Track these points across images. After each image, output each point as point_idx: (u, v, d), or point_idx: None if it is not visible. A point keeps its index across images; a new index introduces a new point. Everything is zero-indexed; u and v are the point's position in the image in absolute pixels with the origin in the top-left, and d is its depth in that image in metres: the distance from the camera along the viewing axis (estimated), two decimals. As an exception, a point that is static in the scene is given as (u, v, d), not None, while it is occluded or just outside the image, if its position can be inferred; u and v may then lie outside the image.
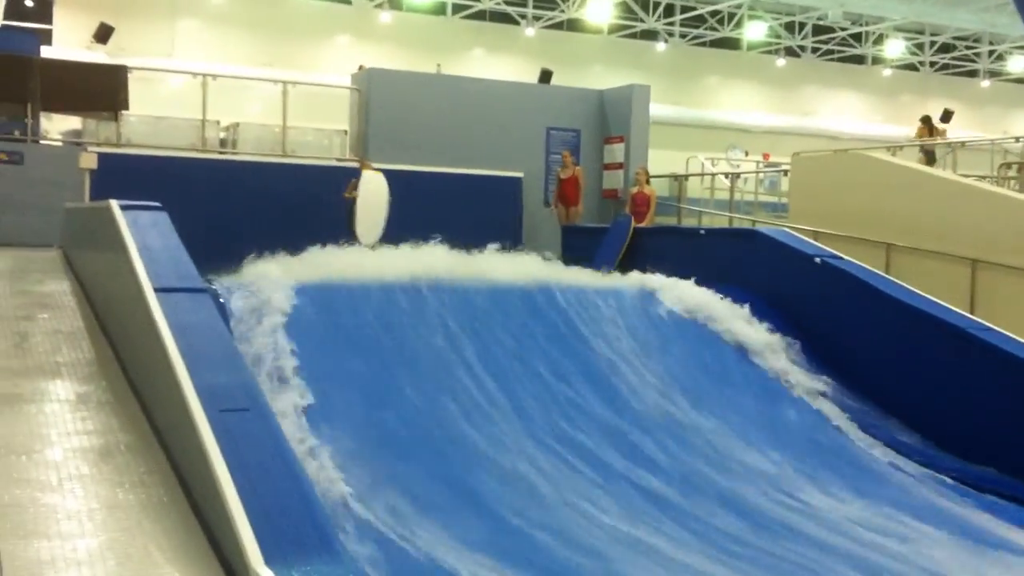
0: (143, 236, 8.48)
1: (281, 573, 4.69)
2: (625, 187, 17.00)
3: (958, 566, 6.78)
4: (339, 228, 11.35)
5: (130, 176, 12.45)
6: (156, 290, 7.47)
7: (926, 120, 18.32)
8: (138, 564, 5.15)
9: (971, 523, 7.75)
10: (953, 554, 7.02)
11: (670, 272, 11.85)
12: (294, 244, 10.46)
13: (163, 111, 15.67)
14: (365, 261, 10.16)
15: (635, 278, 11.68)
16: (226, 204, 13.14)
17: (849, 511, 7.76)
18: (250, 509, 5.17)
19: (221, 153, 14.98)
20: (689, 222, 16.81)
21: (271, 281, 9.13)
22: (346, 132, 16.07)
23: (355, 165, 14.77)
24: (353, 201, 13.76)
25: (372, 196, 13.94)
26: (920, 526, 7.58)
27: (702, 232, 14.03)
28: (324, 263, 10.08)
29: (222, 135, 15.52)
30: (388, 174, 14.49)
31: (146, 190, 9.45)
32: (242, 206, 13.22)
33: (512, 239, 13.68)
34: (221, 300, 8.66)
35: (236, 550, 5.05)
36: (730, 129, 30.66)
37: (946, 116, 32.31)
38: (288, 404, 7.59)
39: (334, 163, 15.24)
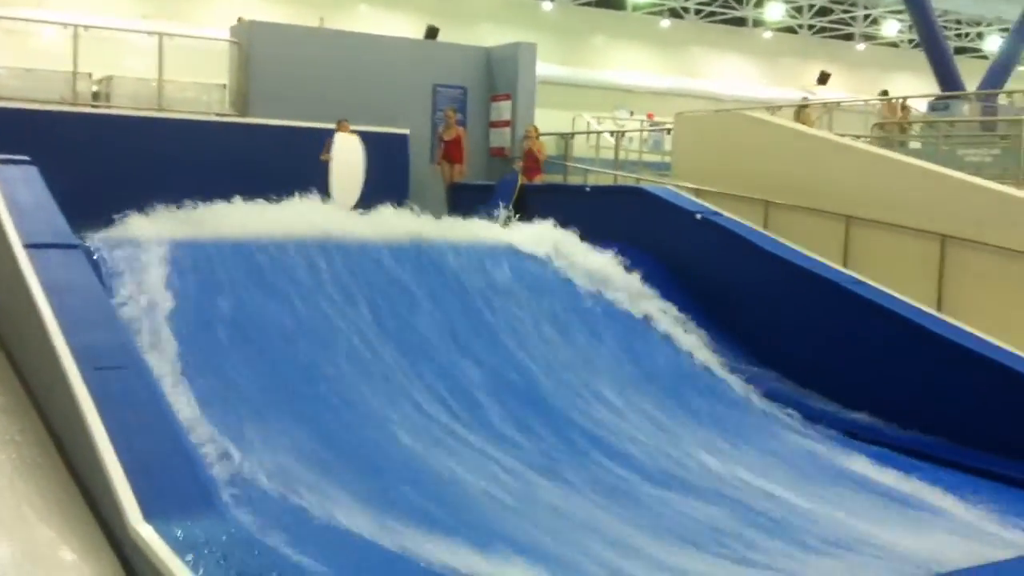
0: (12, 191, 8.18)
1: (161, 529, 4.63)
2: (512, 145, 17.03)
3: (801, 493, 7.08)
4: (217, 184, 11.06)
5: (-2, 129, 11.95)
6: (26, 246, 7.23)
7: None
8: (10, 524, 5.02)
9: (832, 462, 8.08)
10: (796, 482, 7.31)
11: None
12: (171, 200, 10.19)
13: (34, 64, 15.04)
14: (243, 218, 9.95)
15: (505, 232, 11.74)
16: (100, 160, 12.70)
17: (712, 458, 7.98)
18: (128, 466, 5.09)
19: (94, 107, 14.47)
20: (575, 180, 16.92)
21: (146, 238, 8.91)
22: (225, 87, 15.67)
23: (234, 119, 14.48)
24: (327, 164, 13.63)
25: (346, 158, 13.79)
26: (776, 466, 7.88)
27: (587, 190, 14.17)
28: (202, 220, 9.85)
29: (95, 88, 14.97)
30: (269, 130, 14.22)
31: (15, 145, 9.08)
32: (117, 162, 12.79)
33: (398, 196, 13.58)
34: (94, 256, 8.42)
35: (114, 507, 4.96)
36: (616, 89, 30.88)
37: (823, 78, 33.20)
38: (166, 361, 7.44)
39: (213, 118, 14.84)
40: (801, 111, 15.39)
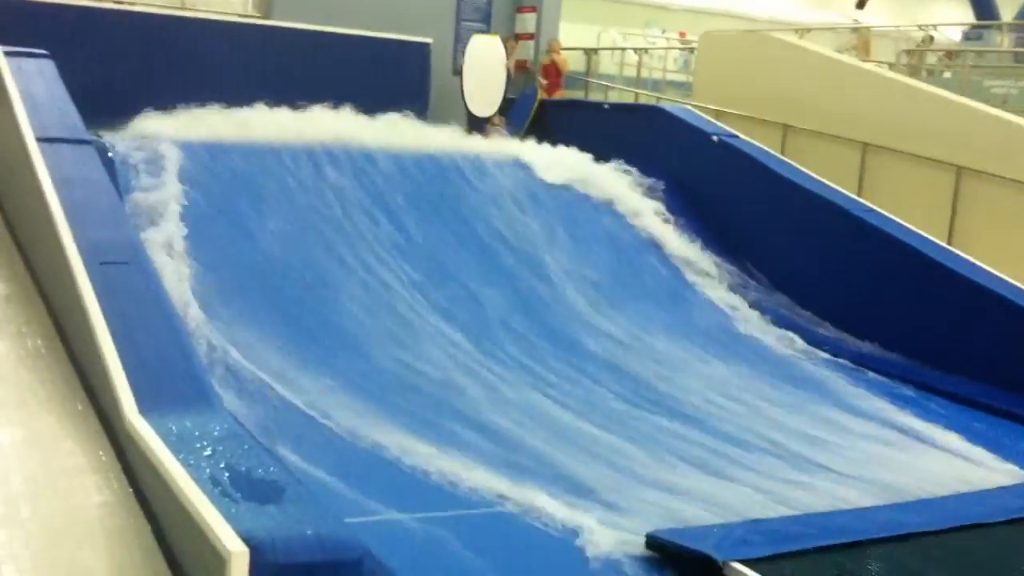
0: (27, 84, 8.23)
1: (155, 423, 4.74)
2: (536, 58, 16.83)
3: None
4: (238, 87, 11.07)
5: (17, 24, 11.93)
6: (39, 140, 7.30)
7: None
8: (12, 411, 5.17)
9: (834, 390, 8.16)
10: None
11: (575, 145, 11.94)
12: (189, 101, 10.23)
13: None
14: (261, 122, 9.98)
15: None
16: (119, 58, 12.66)
17: (714, 372, 8.07)
18: (126, 360, 5.20)
19: (116, 3, 14.40)
20: (596, 97, 16.76)
21: (161, 137, 8.97)
22: (249, -13, 15.55)
23: (257, 21, 14.39)
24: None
25: (478, 62, 13.62)
26: (776, 390, 7.97)
27: (606, 107, 14.05)
28: (218, 123, 9.91)
29: (117, -15, 14.86)
30: (292, 34, 14.11)
31: (35, 39, 9.12)
32: (136, 60, 12.75)
33: (419, 107, 13.54)
34: (108, 153, 8.49)
35: (111, 400, 5.10)
36: (649, 6, 30.36)
37: (861, 3, 32.44)
38: (173, 259, 7.56)
39: (236, 19, 14.75)
40: (804, 34, 15.10)
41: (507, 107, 14.59)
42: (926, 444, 7.05)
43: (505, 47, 13.75)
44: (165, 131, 9.24)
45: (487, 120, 13.38)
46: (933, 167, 11.13)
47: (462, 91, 13.99)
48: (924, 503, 5.75)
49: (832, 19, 26.55)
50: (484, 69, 13.63)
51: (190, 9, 14.36)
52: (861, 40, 15.00)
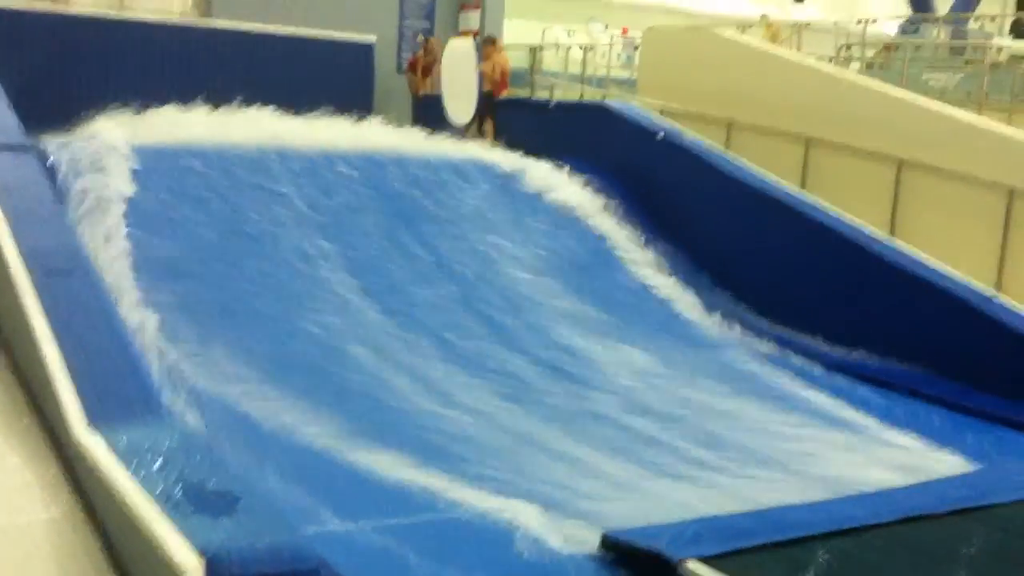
0: (-39, 89, 8.09)
1: (105, 435, 4.67)
2: (479, 54, 16.81)
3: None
4: (181, 89, 10.94)
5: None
6: (-25, 148, 7.18)
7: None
8: (-46, 427, 5.06)
9: (777, 383, 8.27)
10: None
11: (520, 145, 11.97)
12: (129, 103, 10.10)
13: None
14: (206, 125, 9.88)
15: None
16: (58, 61, 12.48)
17: (656, 376, 8.16)
18: (73, 371, 5.12)
19: (53, 5, 14.16)
20: (542, 94, 16.78)
21: (102, 141, 8.84)
22: (189, -12, 15.38)
23: (197, 23, 14.22)
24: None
25: (453, 66, 13.26)
26: (714, 384, 8.08)
27: (551, 106, 14.07)
28: (162, 125, 9.79)
29: (54, -14, 14.62)
30: (232, 35, 13.97)
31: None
32: (75, 63, 12.57)
33: (363, 107, 13.48)
34: (49, 160, 8.35)
35: (58, 413, 5.01)
36: (591, 2, 30.46)
37: (799, -4, 32.82)
38: (118, 267, 7.45)
39: (175, 20, 14.58)
40: (768, 28, 15.26)
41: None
42: (866, 435, 7.16)
43: (481, 49, 13.53)
44: (105, 135, 9.09)
45: (466, 128, 13.14)
46: (874, 160, 11.30)
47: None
48: (873, 496, 5.83)
49: (772, 14, 26.81)
50: (458, 73, 13.43)
51: (128, 10, 14.18)
52: (770, 31, 15.14)
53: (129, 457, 4.48)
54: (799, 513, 5.44)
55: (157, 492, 4.11)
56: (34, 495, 4.57)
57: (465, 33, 13.78)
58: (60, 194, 7.91)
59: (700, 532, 5.03)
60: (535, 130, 12.53)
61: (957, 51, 17.13)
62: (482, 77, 13.09)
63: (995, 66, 15.46)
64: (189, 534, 3.77)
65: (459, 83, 13.25)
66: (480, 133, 12.97)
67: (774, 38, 14.77)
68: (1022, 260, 10.08)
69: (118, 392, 5.11)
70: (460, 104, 13.14)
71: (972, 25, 19.47)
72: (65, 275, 6.05)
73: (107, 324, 5.70)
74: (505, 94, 15.10)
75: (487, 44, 13.54)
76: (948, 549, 5.27)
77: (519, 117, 13.29)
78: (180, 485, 4.26)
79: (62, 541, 4.25)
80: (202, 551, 3.67)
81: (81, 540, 4.29)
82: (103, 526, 4.40)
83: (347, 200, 9.56)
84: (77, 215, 7.94)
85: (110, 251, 7.65)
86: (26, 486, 4.63)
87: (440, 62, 15.52)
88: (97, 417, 4.82)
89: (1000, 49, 17.33)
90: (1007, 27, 20.41)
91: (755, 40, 14.29)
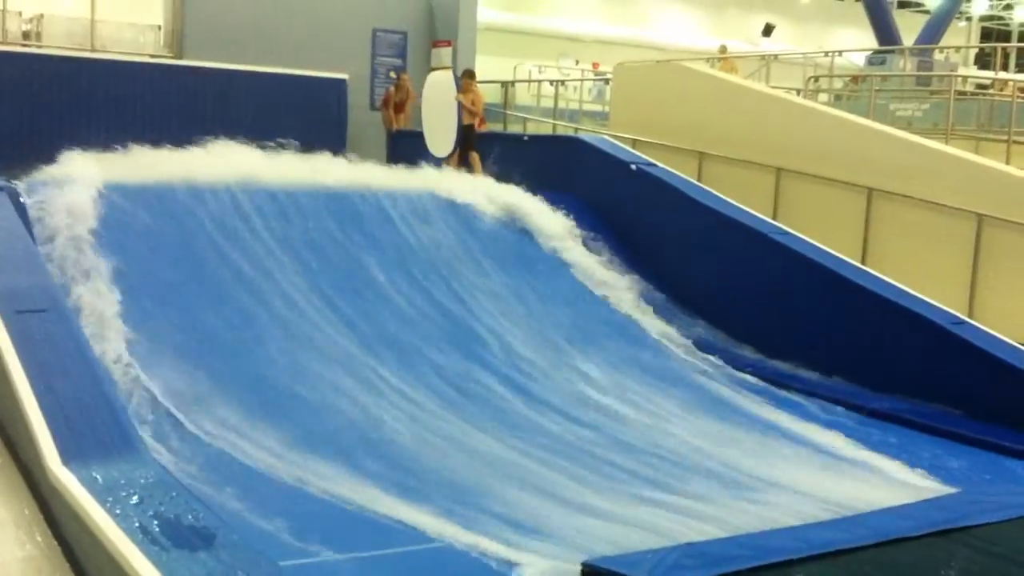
0: (-71, 130, 8.07)
1: (80, 473, 4.65)
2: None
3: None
4: (153, 127, 10.95)
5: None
6: (-55, 188, 7.15)
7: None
8: (-74, 467, 5.01)
9: (751, 410, 8.29)
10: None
11: (493, 177, 12.05)
12: (101, 143, 10.08)
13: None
14: (178, 163, 9.86)
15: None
16: (29, 101, 12.47)
17: (629, 405, 8.15)
18: (47, 409, 5.10)
19: (24, 45, 14.18)
20: (515, 128, 16.92)
21: (74, 180, 8.81)
22: (159, 27, 15.40)
23: (168, 61, 14.25)
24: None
25: (433, 98, 13.26)
26: (691, 412, 8.09)
27: (525, 138, 14.18)
28: (134, 163, 9.77)
29: (25, 27, 14.65)
30: (205, 73, 14.00)
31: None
32: (47, 103, 12.56)
33: (336, 142, 13.51)
34: (21, 199, 8.32)
35: (32, 451, 4.98)
36: (561, 38, 30.77)
37: (767, 30, 33.29)
38: (92, 305, 7.41)
39: (147, 59, 14.61)
40: (716, 62, 15.43)
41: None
42: (839, 458, 7.18)
43: (458, 82, 13.57)
44: (79, 174, 9.05)
45: (447, 160, 13.15)
46: (845, 189, 11.44)
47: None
48: (851, 520, 5.85)
49: (740, 47, 27.16)
50: (438, 106, 13.45)
51: (100, 51, 14.20)
52: (726, 64, 15.35)
53: (105, 493, 4.46)
54: (779, 538, 5.45)
55: (134, 528, 4.09)
56: (8, 533, 4.53)
57: (442, 67, 13.78)
58: (32, 233, 7.87)
59: (680, 559, 5.03)
60: (509, 162, 12.59)
61: (923, 82, 17.41)
62: (461, 109, 13.16)
63: (961, 95, 15.75)
64: (166, 570, 3.75)
65: (439, 115, 13.33)
66: (464, 166, 12.98)
67: (731, 71, 14.97)
68: (992, 285, 10.21)
69: (93, 429, 5.08)
70: (440, 136, 13.21)
71: (938, 56, 19.81)
72: (38, 314, 6.03)
73: (81, 362, 5.67)
74: (484, 127, 15.21)
75: (465, 77, 13.62)
76: (927, 571, 5.30)
77: (493, 150, 13.35)
78: (157, 521, 4.24)
79: (38, 579, 4.20)
80: (180, 586, 3.65)
81: (57, 578, 4.25)
82: (80, 563, 4.36)
83: (324, 233, 9.59)
84: (49, 254, 7.89)
85: (83, 290, 7.59)
86: (0, 524, 4.58)
87: (412, 98, 15.63)
88: (72, 454, 4.79)
89: (965, 79, 17.63)
90: (972, 58, 20.78)
91: (723, 73, 14.46)
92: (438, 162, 13.15)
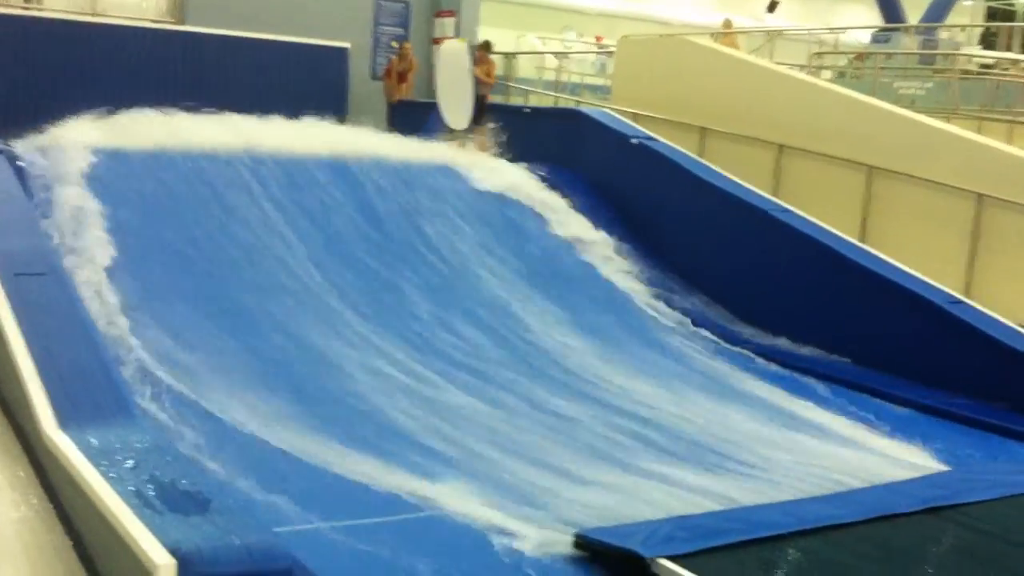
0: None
1: (76, 437, 4.67)
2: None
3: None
4: (153, 93, 10.89)
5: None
6: (-57, 149, 7.14)
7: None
8: (-77, 428, 5.03)
9: (748, 386, 8.30)
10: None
11: (497, 149, 12.06)
12: (103, 108, 10.05)
13: (-39, -38, 14.53)
14: (174, 128, 9.84)
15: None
16: (30, 64, 12.40)
17: (627, 379, 8.15)
18: (44, 373, 5.12)
19: (25, 8, 14.08)
20: (517, 101, 16.85)
21: (74, 144, 8.79)
22: (163, -8, 15.30)
23: (170, 27, 14.16)
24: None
25: (448, 69, 12.99)
26: (687, 385, 8.13)
27: (527, 111, 14.13)
28: (133, 128, 9.74)
29: (27, -10, 14.54)
30: (207, 39, 13.92)
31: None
32: (47, 67, 12.49)
33: (337, 111, 13.46)
34: (19, 163, 8.31)
35: (28, 414, 5.00)
36: (565, 10, 30.60)
37: (772, 6, 33.09)
38: (90, 269, 7.41)
39: (149, 24, 14.51)
40: (720, 37, 15.29)
41: (426, 111, 14.49)
42: (835, 435, 7.21)
43: (473, 53, 13.37)
44: (78, 138, 9.06)
45: (468, 132, 12.99)
46: (846, 167, 11.41)
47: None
48: (843, 496, 5.88)
49: (744, 23, 27.02)
50: (453, 77, 13.17)
51: (101, 15, 14.11)
52: (728, 40, 15.25)
53: (100, 457, 4.48)
54: (771, 513, 5.48)
55: (129, 491, 4.11)
56: (4, 496, 4.56)
57: (454, 38, 13.56)
58: (31, 197, 7.87)
59: (673, 531, 5.06)
60: (509, 135, 12.55)
61: (927, 60, 17.33)
62: (478, 81, 13.04)
63: (965, 75, 15.68)
64: (161, 533, 3.77)
65: (454, 87, 13.15)
66: (478, 141, 12.88)
67: (731, 46, 14.85)
68: (990, 265, 10.21)
69: (89, 393, 5.10)
70: (457, 108, 13.05)
71: (943, 35, 19.71)
72: (36, 278, 6.04)
73: (78, 326, 5.69)
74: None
75: (481, 49, 13.51)
76: (918, 548, 5.33)
77: (494, 122, 13.29)
78: (152, 485, 4.26)
79: (33, 540, 4.23)
80: (174, 550, 3.66)
81: (52, 540, 4.28)
82: (74, 526, 4.38)
83: (321, 200, 9.57)
84: (48, 218, 7.89)
85: (81, 253, 7.59)
86: (-5, 487, 4.61)
87: (415, 68, 15.55)
88: (68, 418, 4.81)
89: (970, 58, 17.56)
90: (977, 37, 20.68)
91: (727, 48, 14.38)
92: (435, 132, 13.09)
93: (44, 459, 4.82)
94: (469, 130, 12.91)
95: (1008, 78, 15.63)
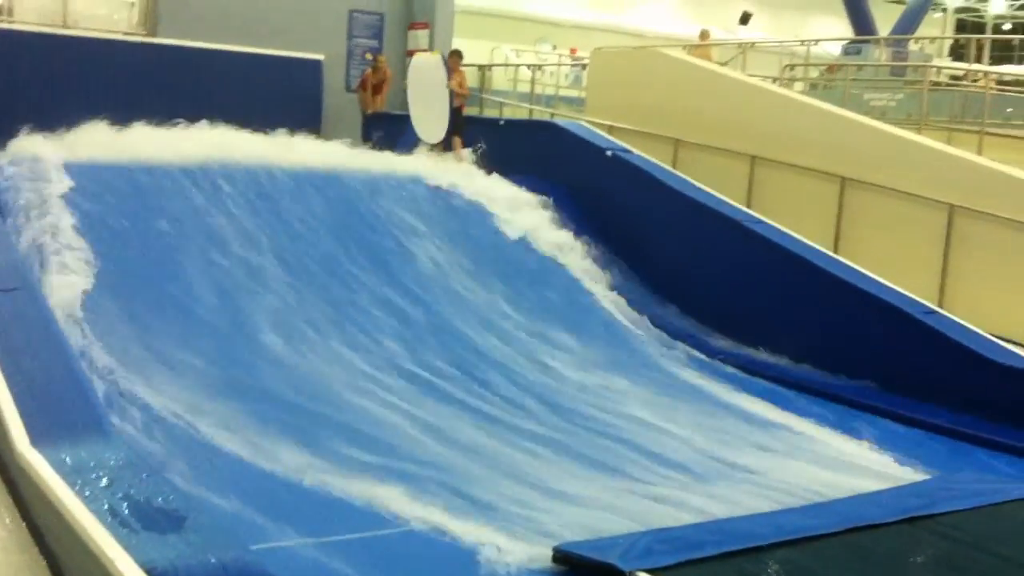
0: None
1: (49, 455, 4.59)
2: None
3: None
4: (125, 105, 10.82)
5: None
6: (-87, 164, 7.06)
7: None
8: None
9: (723, 398, 8.32)
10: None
11: (471, 161, 12.05)
12: (75, 121, 9.99)
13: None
14: (146, 141, 9.78)
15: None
16: (1, 77, 12.29)
17: (605, 392, 8.16)
18: (15, 390, 5.05)
19: (-6, 20, 13.99)
20: (491, 113, 16.87)
21: (45, 158, 8.73)
22: (133, 4, 15.22)
23: (142, 39, 14.09)
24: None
25: (422, 83, 12.92)
26: (662, 397, 8.12)
27: (501, 123, 14.14)
28: (105, 141, 9.68)
29: (-3, 2, 14.45)
30: (179, 52, 13.86)
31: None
32: (17, 80, 12.39)
33: (311, 123, 13.43)
34: (-11, 177, 8.24)
35: (1, 432, 4.93)
36: (540, 22, 30.71)
37: (744, 19, 33.32)
38: (62, 284, 7.34)
39: (120, 37, 14.43)
40: (692, 49, 15.39)
41: (400, 123, 14.48)
42: (812, 446, 7.23)
43: (447, 65, 13.30)
44: (49, 152, 8.99)
45: (441, 146, 12.95)
46: (818, 177, 11.48)
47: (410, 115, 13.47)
48: (821, 506, 5.90)
49: (717, 35, 27.19)
50: (427, 90, 13.11)
51: (72, 27, 14.01)
52: (702, 52, 15.34)
53: (74, 475, 4.42)
54: (749, 524, 5.48)
55: (103, 509, 4.06)
56: (-25, 515, 4.48)
57: (425, 50, 13.52)
58: (1, 211, 7.79)
59: (651, 544, 5.05)
60: (485, 148, 12.56)
61: (898, 72, 17.48)
62: (452, 93, 13.00)
63: (935, 87, 15.82)
64: (136, 551, 3.72)
65: (428, 100, 13.07)
66: (448, 149, 12.86)
67: (705, 58, 14.96)
68: (963, 275, 10.29)
69: (62, 410, 5.04)
70: (431, 122, 12.98)
71: (912, 47, 19.89)
72: (8, 292, 5.96)
73: (51, 342, 5.62)
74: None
75: (453, 57, 13.48)
76: (897, 558, 5.34)
77: (470, 134, 13.31)
78: (126, 502, 4.21)
79: (5, 559, 4.16)
80: (150, 568, 3.62)
81: (25, 559, 4.21)
82: (48, 546, 4.32)
83: (291, 211, 9.54)
84: (18, 233, 7.81)
85: (52, 268, 7.52)
86: (-33, 507, 4.54)
87: (390, 80, 15.54)
88: (41, 435, 4.74)
89: (939, 70, 17.72)
90: (947, 49, 20.90)
91: (699, 60, 14.46)
92: (412, 145, 13.08)
93: (17, 477, 4.75)
94: (446, 143, 12.89)
95: (977, 89, 15.78)
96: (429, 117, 13.00)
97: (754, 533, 5.30)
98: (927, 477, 6.68)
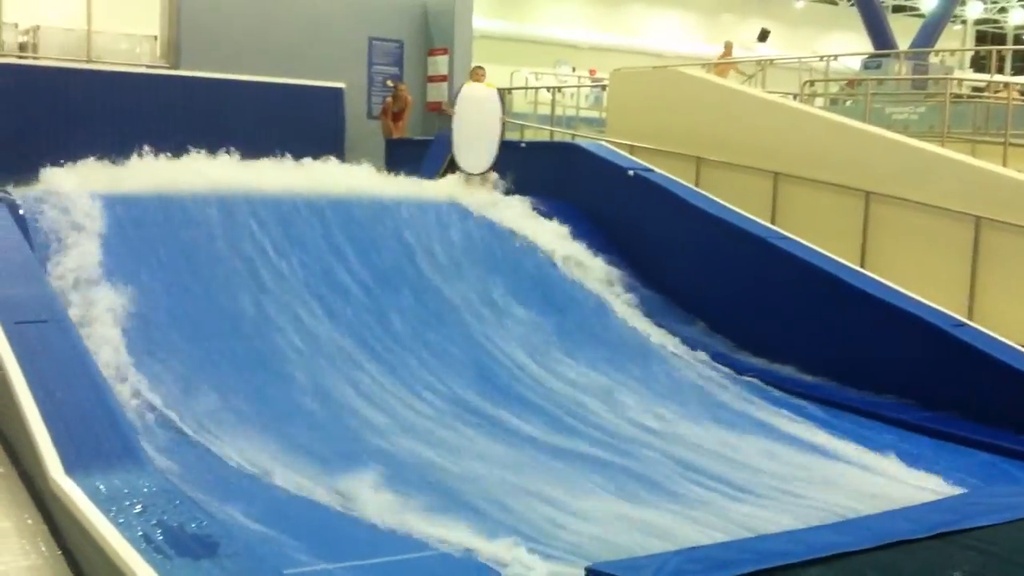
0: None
1: (82, 483, 4.65)
2: (450, 100, 16.91)
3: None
4: (151, 138, 10.94)
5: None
6: (-55, 199, 7.17)
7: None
8: (-72, 478, 5.01)
9: (755, 414, 8.29)
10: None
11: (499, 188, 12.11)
12: (101, 154, 10.12)
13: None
14: (175, 173, 9.88)
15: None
16: (27, 112, 12.46)
17: (635, 410, 8.15)
18: (48, 419, 5.11)
19: (20, 58, 14.17)
20: (512, 136, 16.91)
21: (74, 192, 8.82)
22: (155, 37, 15.40)
23: (165, 72, 14.25)
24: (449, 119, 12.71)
25: (472, 112, 12.70)
26: (690, 414, 8.12)
27: (523, 145, 14.18)
28: (132, 174, 9.79)
29: (21, 39, 14.64)
30: (202, 83, 14.00)
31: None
32: (45, 114, 12.54)
33: (334, 151, 13.52)
34: (20, 211, 8.33)
35: (35, 460, 4.99)
36: (557, 44, 30.85)
37: (763, 36, 33.35)
38: (93, 315, 7.41)
39: (143, 70, 14.60)
40: (712, 68, 15.42)
41: (422, 148, 14.52)
42: (843, 462, 7.19)
43: (502, 99, 13.12)
44: (77, 185, 9.08)
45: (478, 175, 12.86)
46: (843, 193, 11.45)
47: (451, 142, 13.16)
48: (852, 522, 5.85)
49: (736, 52, 27.23)
50: (478, 120, 12.71)
51: (96, 61, 14.19)
52: (719, 69, 15.35)
53: (108, 503, 4.46)
54: (780, 542, 5.44)
55: (137, 536, 4.09)
56: (12, 543, 4.53)
57: (477, 76, 13.36)
58: (32, 244, 7.88)
59: (682, 564, 5.02)
60: (507, 169, 12.60)
61: (919, 85, 17.43)
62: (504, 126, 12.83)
63: (956, 99, 15.77)
64: (170, 577, 3.75)
65: (478, 131, 12.86)
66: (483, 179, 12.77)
67: (723, 75, 15.01)
68: (991, 287, 10.22)
69: (94, 438, 5.09)
70: (477, 152, 12.79)
71: (933, 59, 19.83)
72: (38, 324, 6.04)
73: (82, 371, 5.68)
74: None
75: (477, 71, 13.44)
76: (929, 573, 5.29)
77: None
78: (160, 529, 4.24)
79: (41, 589, 4.20)
80: (184, 594, 3.65)
81: (60, 587, 4.25)
82: (83, 573, 4.36)
83: (318, 239, 9.60)
84: (48, 265, 7.90)
85: (83, 300, 7.60)
86: (3, 534, 4.59)
87: (410, 107, 15.64)
88: (74, 464, 4.80)
89: (960, 82, 17.67)
90: (967, 61, 20.82)
91: (719, 78, 14.48)
92: (435, 171, 13.12)
93: (51, 505, 4.80)
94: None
95: (999, 100, 15.71)
96: (476, 148, 12.86)
97: (785, 551, 5.26)
98: (960, 491, 6.62)
